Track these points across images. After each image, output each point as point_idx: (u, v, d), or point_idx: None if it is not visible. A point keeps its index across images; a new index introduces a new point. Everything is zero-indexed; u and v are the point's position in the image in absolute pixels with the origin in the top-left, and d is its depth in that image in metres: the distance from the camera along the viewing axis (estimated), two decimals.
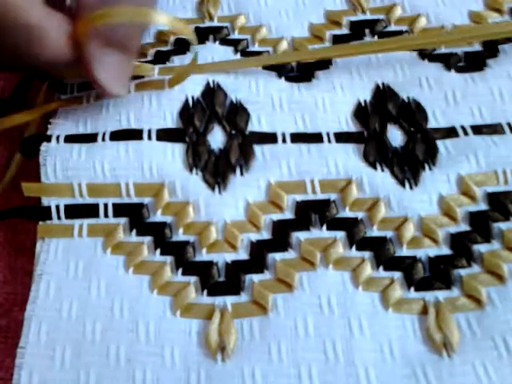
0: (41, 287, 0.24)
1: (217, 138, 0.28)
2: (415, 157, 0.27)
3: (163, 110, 0.28)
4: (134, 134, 0.27)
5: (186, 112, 0.28)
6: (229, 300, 0.24)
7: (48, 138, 0.27)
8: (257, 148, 0.27)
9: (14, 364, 0.22)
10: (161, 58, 0.31)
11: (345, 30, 0.32)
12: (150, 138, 0.27)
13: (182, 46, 0.31)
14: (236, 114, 0.28)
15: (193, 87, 0.29)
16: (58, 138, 0.27)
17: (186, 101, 0.28)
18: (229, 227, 0.25)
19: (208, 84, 0.29)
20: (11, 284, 0.25)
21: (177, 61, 0.31)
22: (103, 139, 0.27)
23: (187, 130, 0.27)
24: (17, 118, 0.28)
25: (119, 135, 0.27)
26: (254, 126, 0.28)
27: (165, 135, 0.27)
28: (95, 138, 0.27)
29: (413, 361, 0.22)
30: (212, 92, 0.29)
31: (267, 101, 0.29)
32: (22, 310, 0.23)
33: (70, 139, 0.27)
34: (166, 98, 0.28)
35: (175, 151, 0.27)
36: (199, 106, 0.28)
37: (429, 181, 0.26)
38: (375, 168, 0.26)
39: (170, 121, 0.28)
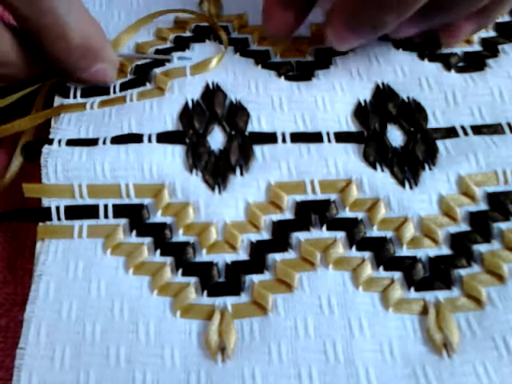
0: (40, 288, 0.24)
1: (217, 139, 0.28)
2: (415, 157, 0.27)
3: (164, 114, 0.28)
4: (134, 138, 0.27)
5: (185, 114, 0.28)
6: (229, 300, 0.24)
7: (50, 142, 0.27)
8: (257, 148, 0.27)
9: (14, 364, 0.22)
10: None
11: None
12: (150, 141, 0.27)
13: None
14: (236, 115, 0.28)
15: (193, 89, 0.29)
16: (59, 141, 0.27)
17: (186, 103, 0.28)
18: (229, 228, 0.25)
19: (207, 86, 0.29)
20: (11, 284, 0.26)
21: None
22: (104, 143, 0.27)
23: (187, 131, 0.27)
24: (19, 124, 0.28)
25: (120, 139, 0.27)
26: (253, 126, 0.28)
27: (165, 138, 0.27)
28: (96, 143, 0.27)
29: (413, 361, 0.22)
30: (212, 93, 0.29)
31: (267, 100, 0.29)
32: (22, 310, 0.23)
33: (71, 143, 0.27)
34: (166, 103, 0.28)
35: (175, 152, 0.27)
36: (199, 107, 0.28)
37: (429, 181, 0.26)
38: (375, 168, 0.26)
39: (171, 124, 0.28)
